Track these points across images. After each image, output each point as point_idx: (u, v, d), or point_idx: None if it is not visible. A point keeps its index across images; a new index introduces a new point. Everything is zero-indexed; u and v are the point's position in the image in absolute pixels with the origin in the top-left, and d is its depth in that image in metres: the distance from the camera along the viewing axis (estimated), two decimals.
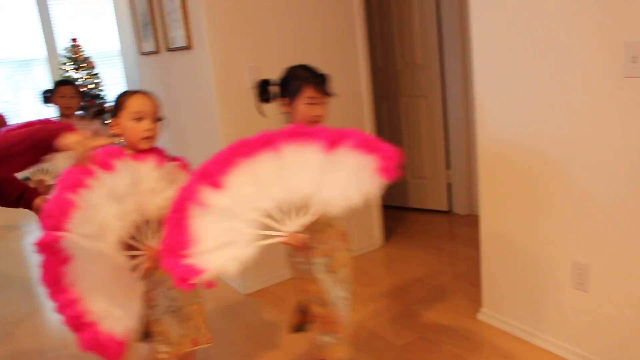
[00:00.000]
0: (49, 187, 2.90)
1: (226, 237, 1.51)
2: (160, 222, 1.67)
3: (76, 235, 1.47)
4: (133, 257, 1.67)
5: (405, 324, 2.71)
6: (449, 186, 4.31)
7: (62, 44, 7.78)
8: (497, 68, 2.32)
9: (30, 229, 5.18)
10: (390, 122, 4.45)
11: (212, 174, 1.56)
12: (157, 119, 1.77)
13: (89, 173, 1.56)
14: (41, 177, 2.84)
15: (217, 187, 1.55)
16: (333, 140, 1.54)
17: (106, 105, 1.85)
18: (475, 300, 2.74)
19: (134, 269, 1.66)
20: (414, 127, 4.35)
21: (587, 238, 2.13)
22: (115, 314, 1.55)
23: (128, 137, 1.75)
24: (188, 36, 3.15)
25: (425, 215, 4.34)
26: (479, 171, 2.51)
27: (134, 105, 1.74)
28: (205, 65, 3.04)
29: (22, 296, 3.56)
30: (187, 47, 3.18)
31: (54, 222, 1.46)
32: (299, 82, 1.83)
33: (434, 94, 4.16)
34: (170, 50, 3.44)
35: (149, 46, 3.75)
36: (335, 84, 3.64)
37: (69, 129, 1.69)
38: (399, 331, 2.64)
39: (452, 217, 4.27)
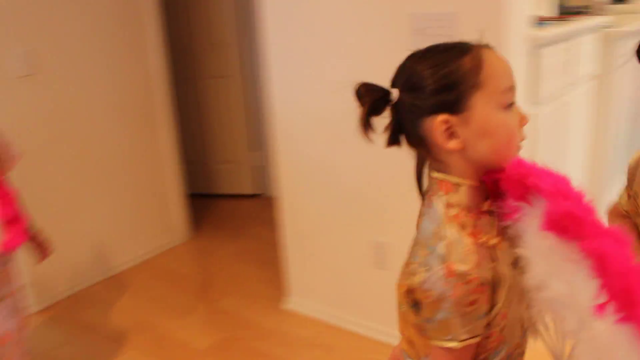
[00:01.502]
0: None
1: None
2: None
3: None
4: None
5: (212, 323, 2.54)
6: (261, 168, 4.15)
7: None
8: (286, 48, 2.21)
9: None
10: (198, 106, 4.15)
11: None
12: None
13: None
14: None
15: None
16: None
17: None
18: (281, 288, 2.64)
19: None
20: (214, 109, 4.12)
21: (385, 218, 2.12)
22: None
23: (491, 147, 0.83)
24: None
25: (234, 201, 4.14)
26: (275, 153, 2.40)
27: (501, 74, 0.82)
28: None
29: None
30: None
31: None
32: None
33: (234, 74, 3.98)
34: None
35: None
36: (122, 69, 3.13)
37: None
38: (204, 332, 2.46)
39: (263, 200, 4.09)
